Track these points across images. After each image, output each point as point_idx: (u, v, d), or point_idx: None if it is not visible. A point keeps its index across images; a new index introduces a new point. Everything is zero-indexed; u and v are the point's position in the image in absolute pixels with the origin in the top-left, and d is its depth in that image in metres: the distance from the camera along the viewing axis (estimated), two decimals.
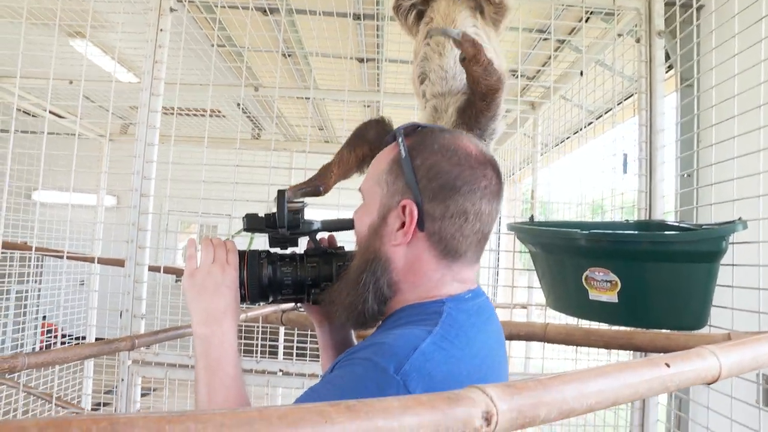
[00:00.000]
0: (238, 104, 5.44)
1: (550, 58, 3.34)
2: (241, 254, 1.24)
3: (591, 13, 2.64)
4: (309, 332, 3.21)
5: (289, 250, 1.37)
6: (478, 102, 1.59)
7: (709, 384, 0.70)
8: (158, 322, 3.49)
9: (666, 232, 2.01)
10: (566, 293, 2.10)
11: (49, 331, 5.55)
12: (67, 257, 2.48)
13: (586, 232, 1.92)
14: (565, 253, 2.06)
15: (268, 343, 3.37)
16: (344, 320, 1.13)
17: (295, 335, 3.64)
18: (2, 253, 3.93)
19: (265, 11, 3.26)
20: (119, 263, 2.43)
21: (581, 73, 2.62)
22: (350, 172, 1.67)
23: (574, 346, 2.00)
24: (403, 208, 1.04)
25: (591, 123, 3.27)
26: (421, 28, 1.87)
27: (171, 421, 0.40)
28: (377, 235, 1.08)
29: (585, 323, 2.32)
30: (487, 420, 0.53)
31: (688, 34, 2.26)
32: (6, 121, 4.37)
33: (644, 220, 2.35)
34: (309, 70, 4.40)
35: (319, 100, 4.95)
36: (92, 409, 4.58)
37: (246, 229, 1.38)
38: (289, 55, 4.07)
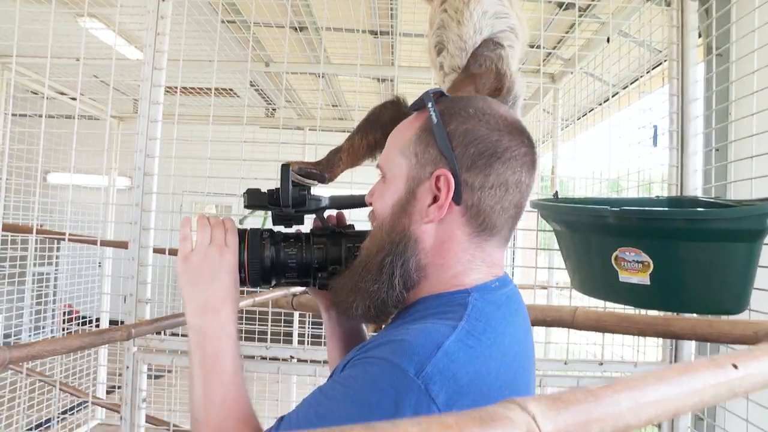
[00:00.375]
0: (251, 83, 5.33)
1: (572, 26, 3.18)
2: (241, 234, 1.13)
3: None
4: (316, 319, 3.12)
5: (293, 229, 1.26)
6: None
7: None
8: (165, 308, 3.42)
9: (703, 209, 1.87)
10: (592, 274, 1.98)
11: (67, 313, 5.52)
12: (69, 239, 2.39)
13: (617, 209, 1.79)
14: (593, 232, 1.93)
15: (282, 328, 3.27)
16: (362, 311, 1.01)
17: (308, 320, 3.54)
18: (20, 236, 3.89)
19: None
20: (123, 245, 2.33)
21: (608, 40, 2.46)
22: (360, 161, 1.54)
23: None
24: (437, 178, 0.93)
25: (616, 94, 3.10)
26: None
27: None
28: (405, 213, 0.96)
29: (612, 306, 2.20)
30: None
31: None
32: (21, 105, 4.31)
33: (676, 197, 2.21)
34: (320, 44, 4.26)
35: (332, 76, 4.82)
36: (107, 393, 4.55)
37: (247, 206, 1.27)
38: (300, 29, 3.93)
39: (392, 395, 0.76)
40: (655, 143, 2.28)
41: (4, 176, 2.74)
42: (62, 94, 4.51)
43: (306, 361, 2.27)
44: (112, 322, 4.04)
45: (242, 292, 2.42)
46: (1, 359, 1.23)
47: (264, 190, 1.27)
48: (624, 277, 1.84)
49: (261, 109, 5.95)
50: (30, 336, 4.85)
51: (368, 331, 1.41)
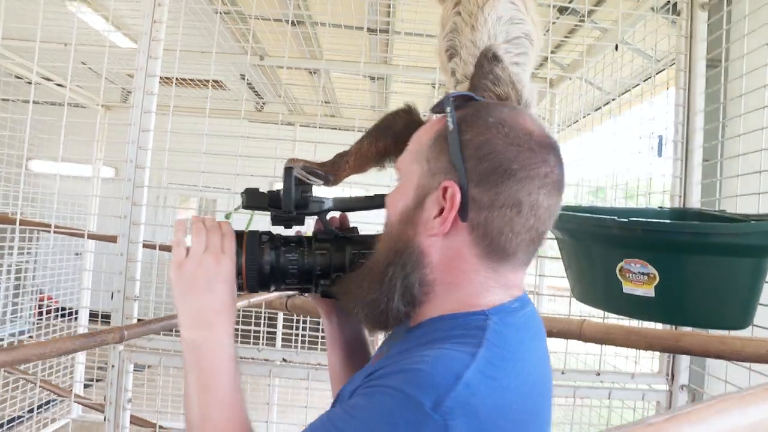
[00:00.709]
0: (242, 76, 5.25)
1: (571, 31, 3.15)
2: (239, 237, 1.06)
3: None
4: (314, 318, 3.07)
5: (293, 230, 1.20)
6: None
7: None
8: (151, 304, 3.34)
9: (713, 223, 1.85)
10: (594, 284, 1.95)
11: (43, 305, 5.41)
12: (55, 231, 2.30)
13: (624, 219, 1.76)
14: (596, 242, 1.90)
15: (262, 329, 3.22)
16: (362, 319, 0.97)
17: (302, 322, 3.48)
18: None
19: None
20: (112, 240, 2.26)
21: (616, 47, 2.43)
22: (367, 166, 1.49)
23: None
24: (444, 190, 0.86)
25: (607, 103, 3.07)
26: None
27: None
28: (411, 222, 0.90)
29: (615, 319, 2.18)
30: None
31: (717, 18, 2.09)
32: (3, 90, 4.19)
33: (680, 208, 2.19)
34: (316, 40, 4.20)
35: (325, 72, 4.75)
36: (84, 387, 4.45)
37: (246, 207, 1.21)
38: (296, 23, 3.87)
39: (405, 430, 0.71)
40: (660, 153, 2.25)
41: None
42: (48, 80, 4.39)
43: (295, 363, 2.21)
44: (93, 315, 3.93)
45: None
46: None
47: (262, 189, 1.21)
48: (628, 288, 1.81)
49: (251, 103, 5.86)
50: (5, 327, 4.74)
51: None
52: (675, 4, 2.27)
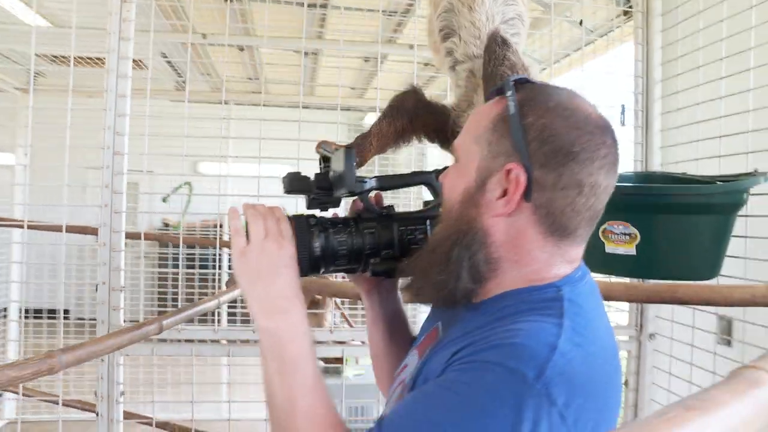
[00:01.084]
0: (164, 54, 5.04)
1: None
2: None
3: None
4: None
5: (329, 212, 1.22)
6: None
7: None
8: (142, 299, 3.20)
9: (686, 185, 2.02)
10: None
11: None
12: (29, 227, 2.17)
13: None
14: None
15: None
16: (430, 299, 1.01)
17: None
18: None
19: None
20: (91, 231, 2.16)
21: (581, 22, 2.56)
22: (387, 146, 1.53)
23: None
24: (508, 172, 0.89)
25: (544, 69, 3.20)
26: None
27: None
28: (473, 203, 0.93)
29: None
30: None
31: None
32: None
33: (646, 172, 2.36)
34: (249, 15, 4.10)
35: (255, 48, 4.65)
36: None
37: (288, 191, 1.21)
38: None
39: (512, 401, 0.76)
40: (623, 122, 2.41)
41: None
42: None
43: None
44: (51, 312, 3.72)
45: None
46: (57, 365, 1.14)
47: (304, 174, 1.21)
48: (610, 248, 1.95)
49: (171, 82, 5.65)
50: None
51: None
52: None
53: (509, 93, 0.91)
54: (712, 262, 1.96)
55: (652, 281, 1.92)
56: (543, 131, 0.88)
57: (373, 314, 1.29)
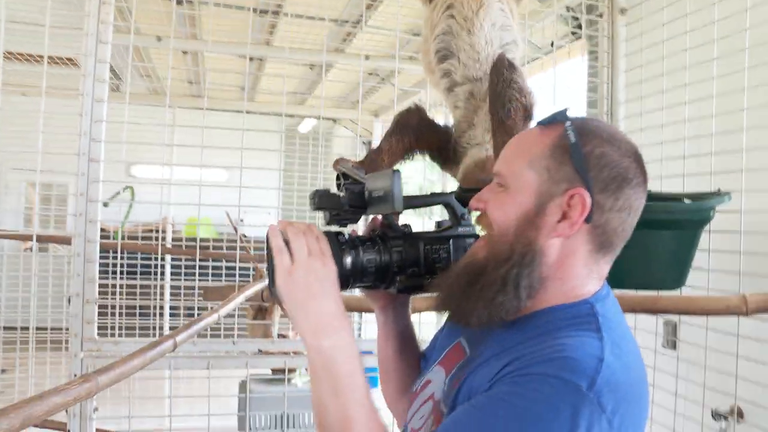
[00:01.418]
0: None
1: None
2: None
3: None
4: None
5: (348, 229, 1.24)
6: None
7: None
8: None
9: (653, 203, 2.14)
10: None
11: None
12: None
13: None
14: None
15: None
16: (477, 319, 1.01)
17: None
18: None
19: None
20: (64, 241, 2.06)
21: (552, 44, 2.66)
22: (397, 161, 1.57)
23: None
24: (571, 197, 0.96)
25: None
26: None
27: None
28: (533, 226, 0.98)
29: None
30: None
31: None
32: None
33: None
34: (198, 19, 4.01)
35: (200, 53, 4.56)
36: None
37: (317, 208, 1.22)
38: (182, 2, 3.66)
39: (569, 411, 0.82)
40: None
41: None
42: None
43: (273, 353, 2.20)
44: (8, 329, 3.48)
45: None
46: (94, 388, 1.10)
47: (334, 191, 1.22)
48: None
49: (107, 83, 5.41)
50: None
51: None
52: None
53: (568, 124, 0.98)
54: (679, 273, 2.08)
55: (633, 292, 2.02)
56: (601, 159, 0.96)
57: (386, 330, 1.31)
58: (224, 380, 3.31)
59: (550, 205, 0.97)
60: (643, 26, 2.42)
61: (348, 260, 1.08)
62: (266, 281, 2.12)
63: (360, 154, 6.43)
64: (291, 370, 4.21)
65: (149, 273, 4.21)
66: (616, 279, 2.07)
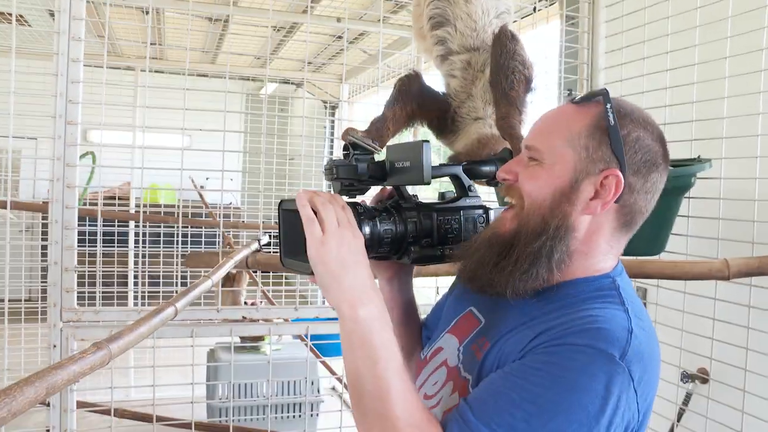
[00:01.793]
0: (51, 12, 4.60)
1: None
2: None
3: None
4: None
5: (357, 199, 1.24)
6: None
7: None
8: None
9: None
10: None
11: None
12: None
13: None
14: None
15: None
16: (510, 290, 1.04)
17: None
18: None
19: None
20: (39, 208, 1.97)
21: (534, 9, 2.65)
22: (400, 130, 1.55)
23: None
24: (606, 177, 1.00)
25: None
26: None
27: None
28: (568, 201, 1.02)
29: None
30: None
31: None
32: None
33: None
34: None
35: (159, 11, 4.38)
36: None
37: (334, 179, 1.21)
38: None
39: (603, 378, 0.88)
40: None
41: None
42: None
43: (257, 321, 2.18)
44: None
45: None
46: (107, 356, 1.07)
47: (349, 160, 1.21)
48: None
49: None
50: None
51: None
52: None
53: (608, 105, 1.01)
54: (659, 239, 2.14)
55: (626, 258, 2.06)
56: (637, 143, 1.02)
57: (391, 299, 1.33)
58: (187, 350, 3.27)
59: (585, 182, 1.01)
60: None
61: (366, 230, 1.10)
62: (253, 248, 2.10)
63: (324, 119, 6.38)
64: (260, 338, 4.22)
65: (112, 240, 4.11)
66: None
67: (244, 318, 2.20)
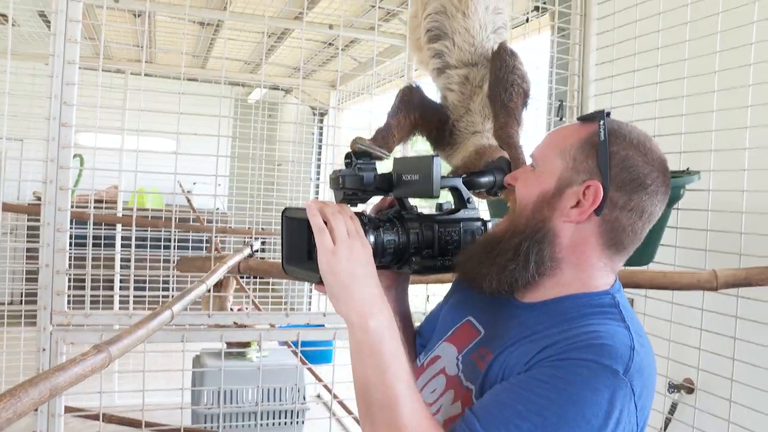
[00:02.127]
0: (41, 13, 4.57)
1: None
2: None
3: None
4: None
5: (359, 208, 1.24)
6: None
7: None
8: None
9: None
10: None
11: None
12: None
13: None
14: None
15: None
16: (493, 284, 1.08)
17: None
18: None
19: None
20: (31, 210, 1.96)
21: (527, 20, 2.68)
22: (407, 137, 1.57)
23: None
24: (587, 187, 1.04)
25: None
26: None
27: None
28: (549, 206, 1.07)
29: None
30: None
31: None
32: None
33: None
34: None
35: (151, 14, 4.37)
36: None
37: (341, 189, 1.20)
38: None
39: (607, 393, 0.91)
40: (561, 117, 2.58)
41: None
42: None
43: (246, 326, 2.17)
44: None
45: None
46: (107, 359, 1.07)
47: (353, 171, 1.21)
48: None
49: (46, 44, 5.14)
50: None
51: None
52: None
53: (602, 123, 1.05)
54: (648, 250, 2.17)
55: None
56: (625, 161, 1.04)
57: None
58: (172, 355, 3.25)
59: (568, 191, 1.05)
60: (616, 5, 2.47)
61: (371, 240, 1.11)
62: (245, 253, 2.10)
63: (312, 125, 6.38)
64: (246, 345, 4.20)
65: (99, 244, 4.08)
66: None
67: (235, 323, 2.20)
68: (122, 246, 4.29)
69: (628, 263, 2.01)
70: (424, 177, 1.13)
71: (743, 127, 2.01)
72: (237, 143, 5.34)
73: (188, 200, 4.55)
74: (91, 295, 2.58)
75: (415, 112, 1.55)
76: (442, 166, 1.18)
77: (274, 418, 4.13)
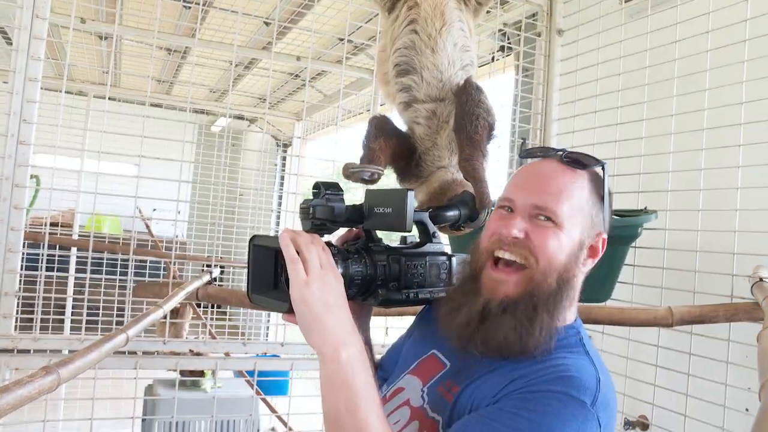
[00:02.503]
0: (2, 31, 4.51)
1: None
2: None
3: None
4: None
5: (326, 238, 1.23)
6: None
7: None
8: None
9: None
10: None
11: None
12: None
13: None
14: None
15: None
16: (490, 352, 1.07)
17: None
18: None
19: None
20: None
21: (492, 59, 2.73)
22: (388, 161, 1.57)
23: None
24: (602, 239, 1.15)
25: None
26: (400, 8, 1.71)
27: None
28: (577, 260, 1.12)
29: None
30: None
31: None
32: None
33: None
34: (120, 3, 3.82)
35: (119, 39, 4.33)
36: None
37: (311, 219, 1.18)
38: None
39: (575, 423, 0.94)
40: (523, 155, 2.61)
41: None
42: None
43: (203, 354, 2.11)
44: None
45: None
46: (56, 381, 1.04)
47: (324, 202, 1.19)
48: None
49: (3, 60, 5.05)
50: None
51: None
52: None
53: (606, 178, 1.15)
54: (606, 286, 2.20)
55: None
56: (610, 207, 1.17)
57: None
58: (123, 383, 3.17)
59: (587, 242, 1.13)
60: (579, 48, 2.54)
61: (340, 270, 1.09)
62: (204, 280, 2.05)
63: (275, 155, 6.37)
64: (200, 374, 4.09)
65: (52, 268, 3.96)
66: None
67: (191, 351, 2.14)
68: (77, 270, 4.18)
69: (587, 299, 2.07)
70: (397, 211, 1.12)
71: (699, 168, 2.07)
72: (199, 170, 5.28)
73: (147, 226, 4.46)
74: (41, 319, 2.50)
75: (392, 139, 1.57)
76: None
77: None
